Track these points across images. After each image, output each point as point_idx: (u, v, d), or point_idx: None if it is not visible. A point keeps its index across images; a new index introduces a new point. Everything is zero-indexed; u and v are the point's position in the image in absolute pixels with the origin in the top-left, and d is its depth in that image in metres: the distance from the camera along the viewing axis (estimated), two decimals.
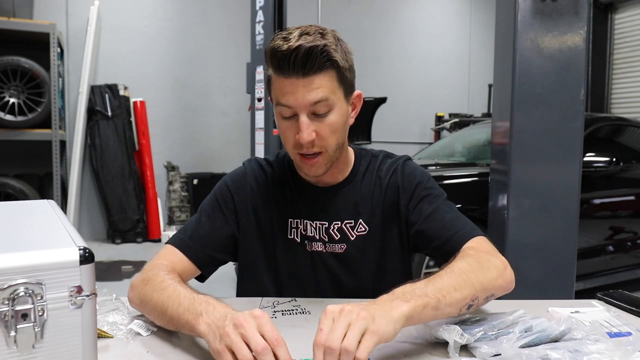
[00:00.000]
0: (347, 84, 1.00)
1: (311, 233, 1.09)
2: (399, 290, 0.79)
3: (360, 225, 1.09)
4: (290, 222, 1.10)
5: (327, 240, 1.09)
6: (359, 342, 0.68)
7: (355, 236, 1.09)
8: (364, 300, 0.80)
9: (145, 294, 0.90)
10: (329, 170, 1.05)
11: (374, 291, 1.08)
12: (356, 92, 1.05)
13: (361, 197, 1.11)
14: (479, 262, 0.89)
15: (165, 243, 1.08)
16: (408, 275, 1.14)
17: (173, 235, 1.09)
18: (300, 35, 0.93)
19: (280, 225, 1.10)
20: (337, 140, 1.01)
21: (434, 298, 0.78)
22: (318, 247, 1.09)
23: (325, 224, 1.09)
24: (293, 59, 0.92)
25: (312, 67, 0.93)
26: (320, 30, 0.95)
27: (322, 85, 0.95)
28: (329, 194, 1.11)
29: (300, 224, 1.10)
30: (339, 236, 1.09)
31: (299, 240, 1.10)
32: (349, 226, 1.09)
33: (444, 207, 1.07)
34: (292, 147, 1.00)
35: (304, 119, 0.96)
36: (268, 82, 1.02)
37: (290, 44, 0.92)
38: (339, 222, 1.09)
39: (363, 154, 1.15)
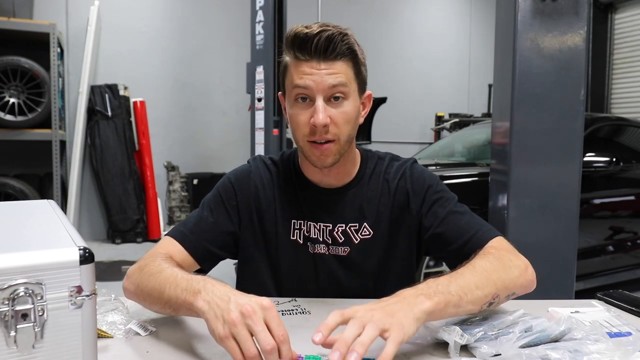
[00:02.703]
0: (361, 79, 1.02)
1: (314, 235, 1.08)
2: (422, 286, 0.79)
3: (365, 229, 1.08)
4: (294, 223, 1.09)
5: (330, 242, 1.08)
6: (387, 341, 0.68)
7: (359, 239, 1.08)
8: (370, 299, 0.80)
9: (141, 280, 0.90)
10: (336, 167, 1.05)
11: (375, 293, 1.08)
12: (367, 92, 1.06)
13: (367, 200, 1.09)
14: (501, 261, 0.89)
15: (165, 234, 1.06)
16: (411, 278, 1.13)
17: (173, 228, 1.08)
18: (321, 25, 0.96)
19: (283, 225, 1.09)
20: (349, 131, 1.01)
21: (457, 295, 0.79)
22: (321, 249, 1.08)
23: (329, 226, 1.08)
24: (316, 41, 0.94)
25: (334, 51, 0.95)
26: (340, 26, 0.99)
27: (341, 71, 0.97)
28: (334, 195, 1.09)
29: (304, 225, 1.09)
30: (343, 239, 1.08)
31: (301, 242, 1.09)
32: (353, 229, 1.08)
33: (458, 209, 1.06)
34: (304, 135, 0.99)
35: (320, 102, 0.96)
36: (283, 70, 1.03)
37: (313, 29, 0.95)
38: (343, 225, 1.08)
39: (369, 156, 1.14)
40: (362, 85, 1.03)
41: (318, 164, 1.02)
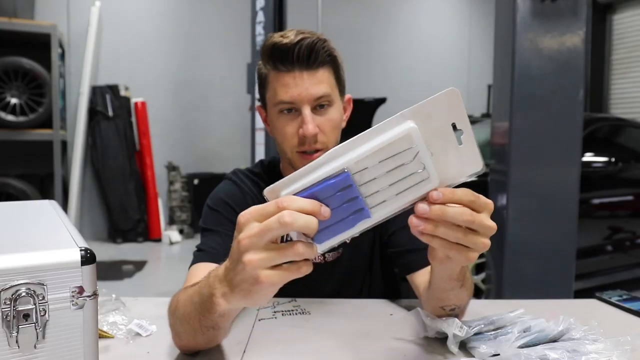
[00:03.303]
0: (341, 84, 1.01)
1: None
2: None
3: None
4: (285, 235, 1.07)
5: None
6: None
7: (350, 239, 1.08)
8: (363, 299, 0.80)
9: (174, 323, 0.76)
10: None
11: (364, 293, 1.11)
12: (347, 95, 1.05)
13: None
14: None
15: (191, 265, 0.96)
16: (394, 277, 1.15)
17: (196, 256, 0.97)
18: (297, 33, 0.94)
19: None
20: (336, 138, 1.00)
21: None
22: (316, 258, 1.07)
23: None
24: (297, 51, 0.92)
25: (316, 60, 0.93)
26: (315, 32, 0.96)
27: (324, 80, 0.95)
28: None
29: None
30: None
31: None
32: None
33: None
34: (293, 146, 0.97)
35: (307, 111, 0.94)
36: (263, 83, 1.00)
37: (292, 38, 0.92)
38: None
39: None
40: (342, 89, 1.02)
41: None
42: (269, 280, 0.54)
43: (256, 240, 0.54)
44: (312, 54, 0.93)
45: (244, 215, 0.56)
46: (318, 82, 0.94)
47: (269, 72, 0.97)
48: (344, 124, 1.05)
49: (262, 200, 1.05)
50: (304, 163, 0.97)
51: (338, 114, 0.99)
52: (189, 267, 0.96)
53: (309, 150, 0.97)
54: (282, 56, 0.93)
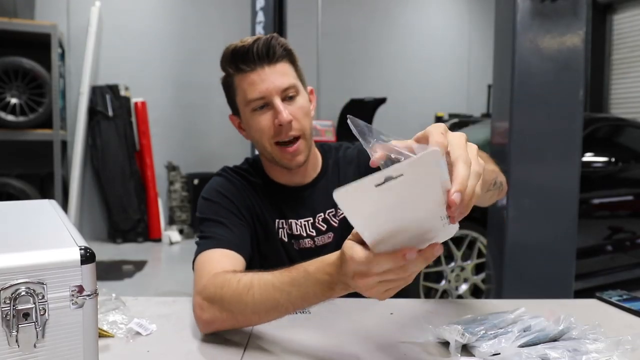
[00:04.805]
0: (301, 76, 1.09)
1: (297, 231, 1.12)
2: None
3: (340, 210, 1.11)
4: (277, 222, 1.12)
5: (315, 234, 1.12)
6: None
7: (338, 221, 1.13)
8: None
9: (235, 304, 0.81)
10: (305, 164, 1.09)
11: None
12: (309, 87, 1.12)
13: (336, 186, 1.11)
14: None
15: (201, 251, 0.98)
16: None
17: (204, 244, 0.99)
18: (253, 37, 1.03)
19: (269, 225, 1.12)
20: (309, 124, 1.06)
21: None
22: (306, 244, 1.12)
23: (310, 219, 1.12)
24: (256, 49, 1.00)
25: (274, 54, 1.01)
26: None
27: (286, 72, 1.03)
28: (306, 190, 1.14)
29: (286, 224, 1.12)
30: (325, 227, 1.13)
31: (286, 240, 1.12)
32: (331, 214, 1.13)
33: None
34: (270, 137, 1.04)
35: (278, 101, 1.01)
36: (230, 89, 1.07)
37: (249, 41, 1.01)
38: (322, 214, 1.13)
39: (326, 149, 1.21)
40: (304, 81, 1.09)
41: (292, 165, 1.06)
42: (384, 297, 0.66)
43: (377, 278, 0.64)
44: (270, 49, 1.01)
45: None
46: (282, 75, 1.02)
47: (234, 77, 1.05)
48: (312, 113, 1.12)
49: (252, 191, 1.11)
50: (285, 156, 1.05)
51: (306, 102, 1.07)
52: (196, 255, 0.98)
53: (286, 139, 1.03)
54: (243, 57, 1.01)
